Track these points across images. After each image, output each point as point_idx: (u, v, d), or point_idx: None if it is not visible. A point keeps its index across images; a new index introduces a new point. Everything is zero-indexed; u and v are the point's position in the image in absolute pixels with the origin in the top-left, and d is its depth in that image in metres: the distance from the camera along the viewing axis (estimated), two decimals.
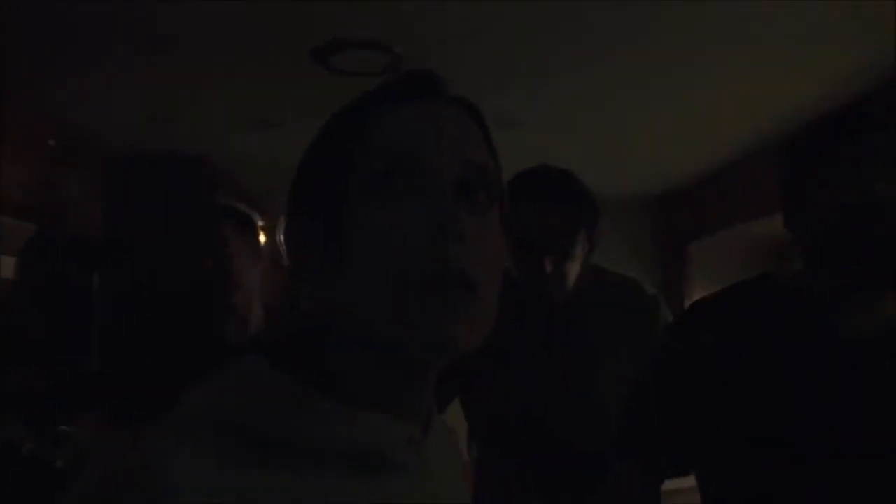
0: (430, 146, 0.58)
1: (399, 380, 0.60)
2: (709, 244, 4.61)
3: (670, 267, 5.04)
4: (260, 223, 1.81)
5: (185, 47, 2.44)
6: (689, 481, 1.25)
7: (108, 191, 3.42)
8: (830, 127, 1.13)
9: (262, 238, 1.80)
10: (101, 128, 3.31)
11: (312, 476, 0.53)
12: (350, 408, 0.56)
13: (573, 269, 1.54)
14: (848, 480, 1.03)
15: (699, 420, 1.14)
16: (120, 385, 1.68)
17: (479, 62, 2.59)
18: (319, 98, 2.31)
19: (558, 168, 1.57)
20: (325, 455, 0.54)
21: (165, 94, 2.92)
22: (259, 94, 2.89)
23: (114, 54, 2.49)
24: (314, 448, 0.54)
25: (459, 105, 0.64)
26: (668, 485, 1.30)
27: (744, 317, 1.17)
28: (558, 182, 1.55)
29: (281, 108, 2.98)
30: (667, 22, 2.28)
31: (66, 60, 2.52)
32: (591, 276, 1.60)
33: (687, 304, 1.40)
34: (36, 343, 2.63)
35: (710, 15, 2.22)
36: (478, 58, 2.55)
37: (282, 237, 0.65)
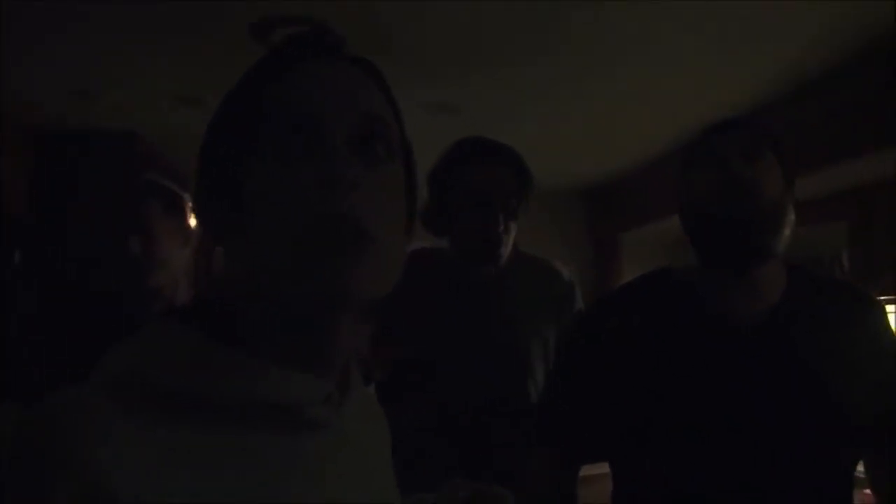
0: (322, 102, 0.59)
1: (306, 334, 0.60)
2: (639, 235, 4.73)
3: (602, 257, 5.15)
4: (190, 203, 1.76)
5: (118, 22, 2.36)
6: (605, 467, 1.29)
7: (35, 167, 3.30)
8: (705, 129, 1.23)
9: (193, 219, 1.76)
10: (30, 103, 3.17)
11: (225, 432, 0.53)
12: (261, 363, 0.56)
13: (512, 237, 1.56)
14: (739, 461, 1.09)
15: (609, 406, 1.19)
16: (39, 366, 1.62)
17: (417, 45, 2.58)
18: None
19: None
20: (238, 410, 0.54)
21: (97, 69, 2.81)
22: (194, 70, 2.82)
23: (43, 28, 2.38)
24: (226, 404, 0.54)
25: (356, 63, 0.65)
26: (585, 471, 1.34)
27: (643, 308, 1.23)
28: (503, 147, 1.57)
29: (217, 85, 2.90)
30: (604, 17, 2.31)
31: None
32: (514, 254, 1.62)
33: None
34: None
35: (647, 11, 2.26)
36: (416, 41, 2.55)
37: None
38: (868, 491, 1.33)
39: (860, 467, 1.25)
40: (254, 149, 0.58)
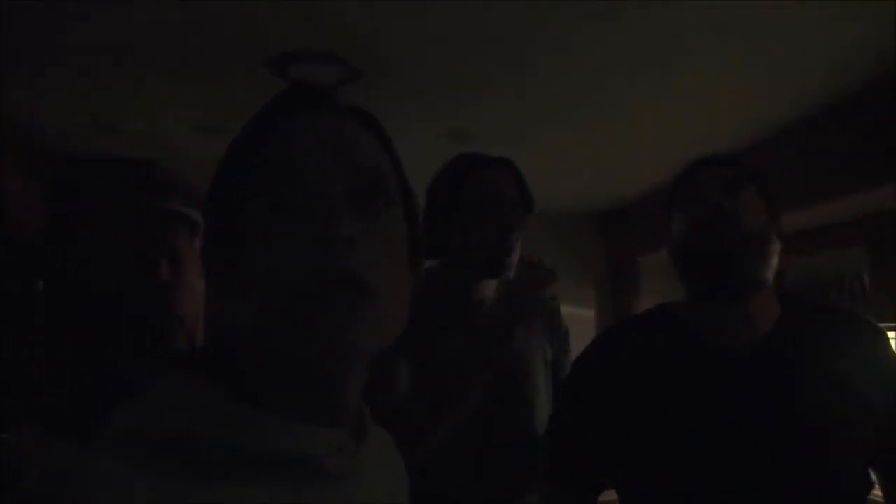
0: (316, 157, 0.59)
1: (312, 387, 0.59)
2: (658, 259, 4.70)
3: (620, 280, 5.12)
4: None
5: (140, 53, 2.41)
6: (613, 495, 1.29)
7: (55, 194, 3.35)
8: (691, 164, 1.25)
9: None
10: (51, 131, 3.24)
11: (240, 487, 0.53)
12: (273, 417, 0.56)
13: (518, 250, 1.53)
14: (739, 490, 1.09)
15: (611, 437, 1.20)
16: (61, 393, 1.63)
17: (434, 76, 2.62)
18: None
19: None
20: (252, 465, 0.54)
21: (118, 99, 2.87)
22: (215, 101, 2.86)
23: (64, 58, 2.44)
24: (240, 459, 0.54)
25: (352, 115, 0.64)
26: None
27: (639, 344, 1.25)
28: (503, 158, 1.58)
29: (237, 116, 2.93)
30: (620, 38, 2.33)
31: (14, 62, 2.46)
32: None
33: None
34: None
35: (661, 29, 2.27)
36: (433, 72, 2.58)
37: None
38: None
39: (878, 492, 1.23)
40: (251, 205, 0.58)
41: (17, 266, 2.93)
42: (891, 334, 1.33)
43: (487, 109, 2.98)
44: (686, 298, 1.23)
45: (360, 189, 0.59)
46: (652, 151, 3.60)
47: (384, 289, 0.57)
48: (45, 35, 2.26)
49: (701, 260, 1.15)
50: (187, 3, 2.05)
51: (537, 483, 1.36)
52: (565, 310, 1.77)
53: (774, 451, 1.09)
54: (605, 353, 1.30)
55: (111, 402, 0.58)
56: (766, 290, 1.17)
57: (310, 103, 0.63)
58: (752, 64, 2.51)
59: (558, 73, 2.61)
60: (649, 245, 4.66)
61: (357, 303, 0.55)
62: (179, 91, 2.80)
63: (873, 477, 1.21)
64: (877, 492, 1.21)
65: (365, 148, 0.62)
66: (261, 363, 0.59)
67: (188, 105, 2.94)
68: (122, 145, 3.33)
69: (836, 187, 2.94)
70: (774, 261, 1.17)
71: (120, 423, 0.55)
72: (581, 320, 4.78)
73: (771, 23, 2.17)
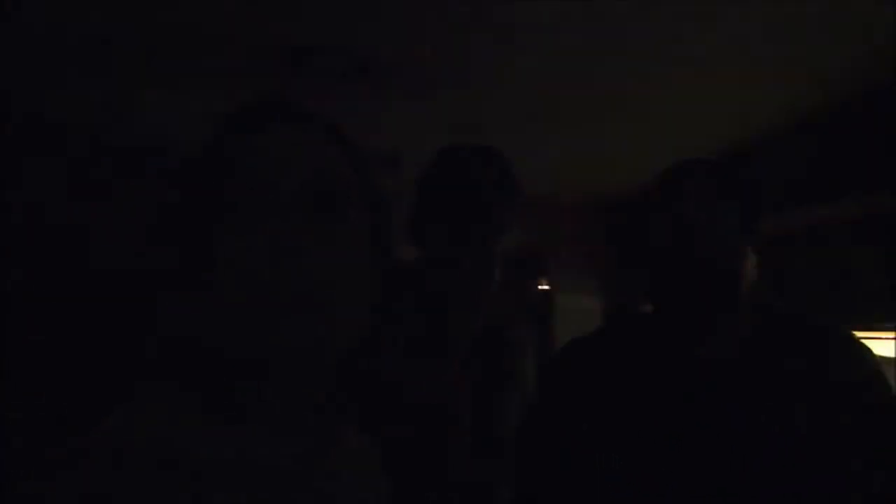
0: (266, 166, 0.60)
1: (272, 395, 0.60)
2: None
3: (627, 274, 5.10)
4: None
5: (156, 48, 2.44)
6: None
7: (83, 186, 3.37)
8: (664, 172, 1.21)
9: None
10: (67, 120, 3.26)
11: (204, 494, 0.54)
12: (235, 425, 0.58)
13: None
14: (698, 493, 1.07)
15: (584, 452, 1.18)
16: (58, 392, 1.65)
17: (448, 66, 2.63)
18: (292, 100, 2.28)
19: None
20: (213, 473, 0.55)
21: (137, 89, 2.90)
22: (231, 93, 2.87)
23: (87, 48, 2.47)
24: (203, 466, 0.55)
25: (313, 126, 0.65)
26: None
27: (610, 353, 1.22)
28: (490, 147, 1.55)
29: None
30: (627, 32, 2.32)
31: (40, 54, 2.49)
32: None
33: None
34: None
35: (670, 23, 2.26)
36: (448, 61, 2.59)
37: None
38: None
39: None
40: (206, 216, 0.59)
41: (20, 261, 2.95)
42: None
43: (496, 102, 2.99)
44: (652, 310, 1.20)
45: (313, 198, 0.60)
46: (663, 144, 3.58)
47: (335, 295, 0.58)
48: (69, 29, 2.29)
49: (669, 276, 1.11)
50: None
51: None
52: (570, 300, 1.77)
53: (738, 462, 1.06)
54: (570, 364, 1.27)
55: (104, 405, 0.60)
56: (738, 303, 1.13)
57: (269, 115, 0.64)
58: (771, 53, 2.47)
59: (566, 65, 2.61)
60: None
61: (305, 311, 0.56)
62: (197, 84, 2.82)
63: None
64: None
65: (321, 158, 0.63)
66: (227, 371, 0.60)
67: (204, 97, 2.96)
68: (142, 137, 3.36)
69: (849, 185, 2.92)
70: (749, 273, 1.13)
71: (102, 431, 0.57)
72: (586, 311, 4.78)
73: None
